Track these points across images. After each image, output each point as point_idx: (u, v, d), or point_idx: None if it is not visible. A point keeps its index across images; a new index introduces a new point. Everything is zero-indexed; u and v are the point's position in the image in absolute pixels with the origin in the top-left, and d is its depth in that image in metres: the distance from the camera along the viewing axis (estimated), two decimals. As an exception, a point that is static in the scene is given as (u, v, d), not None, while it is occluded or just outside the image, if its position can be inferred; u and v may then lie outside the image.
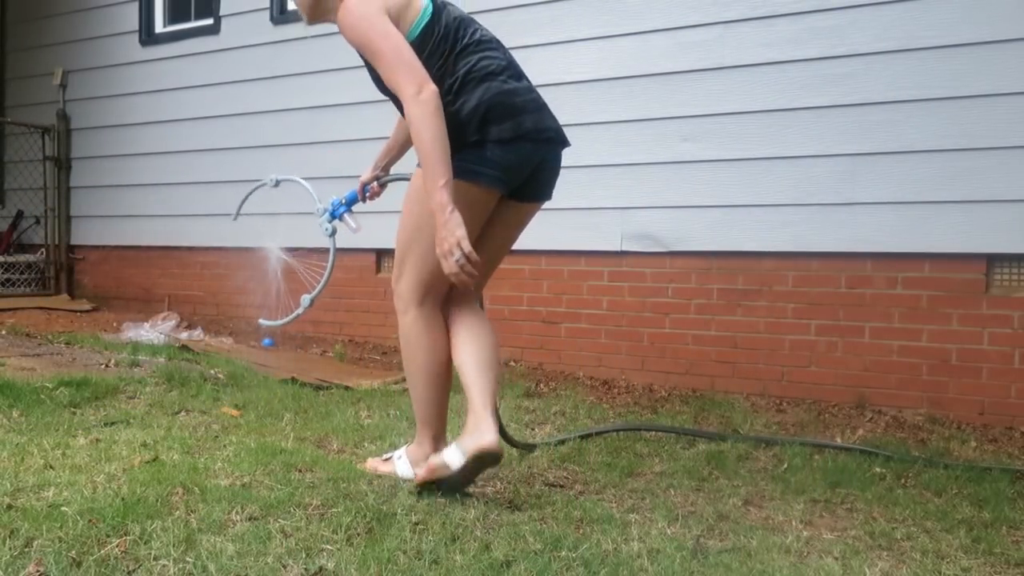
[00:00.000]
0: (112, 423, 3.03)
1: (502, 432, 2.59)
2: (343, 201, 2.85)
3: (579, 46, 4.57)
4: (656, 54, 4.38)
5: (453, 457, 2.28)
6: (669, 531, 2.20)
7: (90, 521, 1.97)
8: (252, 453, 2.65)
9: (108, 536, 1.91)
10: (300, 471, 2.49)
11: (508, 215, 2.48)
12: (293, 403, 3.49)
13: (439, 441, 2.51)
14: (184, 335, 5.21)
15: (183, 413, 3.27)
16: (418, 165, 2.34)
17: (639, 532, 2.16)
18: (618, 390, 4.24)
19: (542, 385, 4.30)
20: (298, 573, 1.81)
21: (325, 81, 5.52)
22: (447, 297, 2.48)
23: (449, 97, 2.28)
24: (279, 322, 3.07)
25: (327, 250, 3.02)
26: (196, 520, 2.04)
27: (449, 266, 2.18)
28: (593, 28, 4.56)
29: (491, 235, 2.47)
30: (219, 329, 5.61)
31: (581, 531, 2.15)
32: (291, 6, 5.76)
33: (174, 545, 1.88)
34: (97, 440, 2.74)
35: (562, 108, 4.60)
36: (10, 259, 6.73)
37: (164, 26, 6.47)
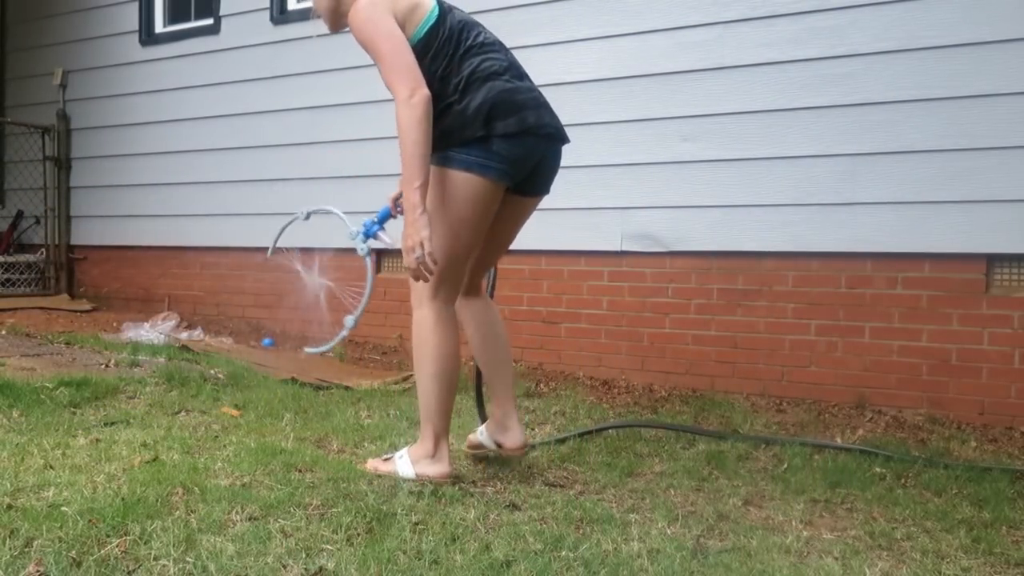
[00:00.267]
0: (112, 423, 3.03)
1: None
2: (375, 220, 2.90)
3: (579, 46, 4.57)
4: (656, 54, 4.38)
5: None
6: (669, 531, 2.20)
7: (90, 521, 1.97)
8: (252, 453, 2.65)
9: (108, 536, 1.91)
10: (300, 471, 2.49)
11: (510, 209, 2.58)
12: (293, 403, 3.49)
13: (442, 440, 2.51)
14: (184, 335, 5.21)
15: (183, 413, 3.27)
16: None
17: (639, 532, 2.16)
18: (618, 390, 4.24)
19: (542, 385, 4.30)
20: (298, 573, 1.81)
21: (325, 81, 5.53)
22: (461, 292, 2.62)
23: (455, 96, 2.38)
24: (324, 347, 3.05)
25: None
26: (196, 520, 2.04)
27: (410, 261, 2.33)
28: (593, 28, 4.56)
29: (493, 230, 2.56)
30: (219, 329, 5.61)
31: (581, 531, 2.15)
32: (291, 6, 5.77)
33: (174, 545, 1.88)
34: (97, 440, 2.74)
35: (562, 108, 4.60)
36: (10, 259, 6.73)
37: (164, 26, 6.47)
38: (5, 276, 6.65)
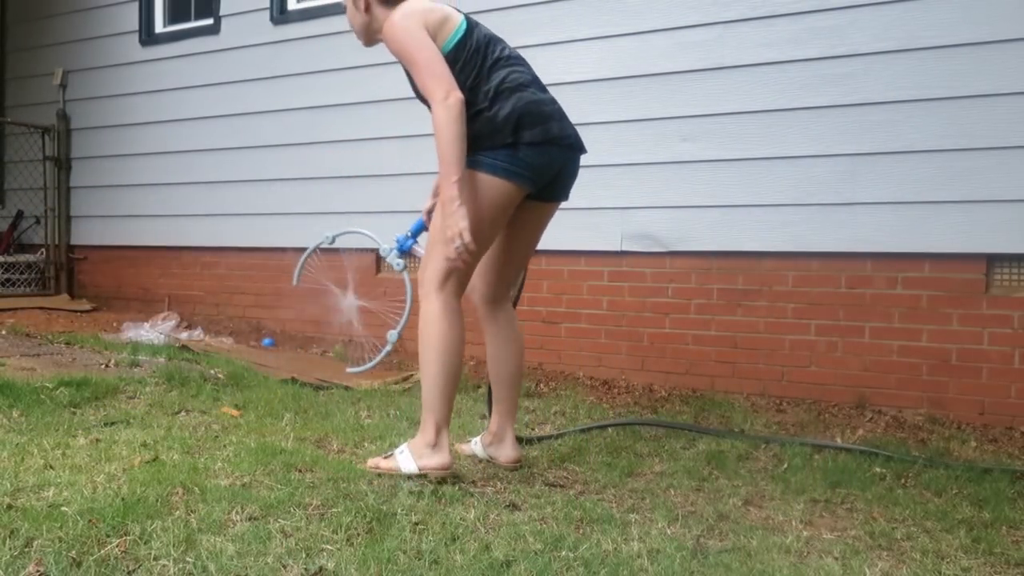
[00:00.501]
0: (112, 423, 3.03)
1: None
2: (408, 234, 3.00)
3: (579, 46, 4.57)
4: (656, 54, 4.38)
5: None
6: (669, 531, 2.20)
7: (90, 521, 1.97)
8: (252, 453, 2.65)
9: (108, 536, 1.91)
10: (300, 471, 2.49)
11: (532, 215, 2.74)
12: (293, 403, 3.49)
13: (443, 430, 2.54)
14: (184, 335, 5.21)
15: (183, 413, 3.27)
16: None
17: (639, 532, 2.16)
18: (618, 390, 4.24)
19: (542, 385, 4.30)
20: (298, 573, 1.81)
21: (325, 81, 5.53)
22: (488, 298, 2.79)
23: (485, 103, 2.54)
24: (367, 365, 3.11)
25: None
26: (196, 520, 2.04)
27: (450, 251, 2.46)
28: (593, 28, 4.56)
29: (518, 236, 2.76)
30: (219, 329, 5.61)
31: (581, 531, 2.16)
32: (291, 6, 5.77)
33: (174, 545, 1.88)
34: (97, 440, 2.74)
35: (563, 107, 4.62)
36: (10, 259, 6.73)
37: (164, 26, 6.47)
38: (5, 276, 6.65)
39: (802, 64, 4.02)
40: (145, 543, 1.89)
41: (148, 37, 6.46)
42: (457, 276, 2.59)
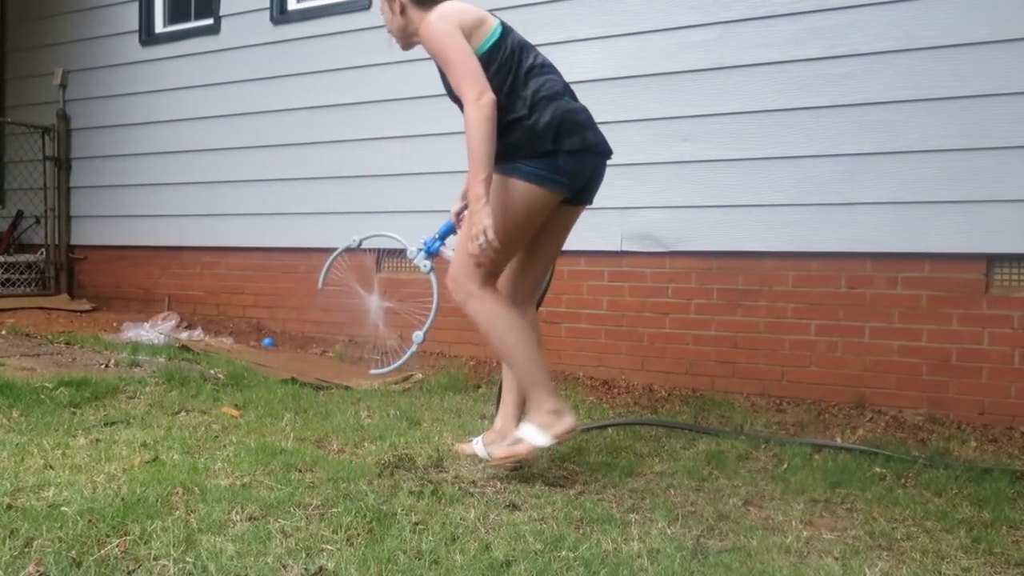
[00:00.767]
0: (112, 423, 3.03)
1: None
2: (436, 236, 3.01)
3: (579, 46, 4.57)
4: (656, 54, 4.38)
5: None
6: (669, 531, 2.20)
7: (90, 521, 1.97)
8: (252, 453, 2.65)
9: (108, 536, 1.91)
10: (300, 471, 2.49)
11: (562, 217, 2.79)
12: (293, 403, 3.49)
13: (554, 394, 2.63)
14: (184, 335, 5.21)
15: (183, 413, 3.27)
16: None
17: (639, 532, 2.16)
18: (618, 390, 4.24)
19: (542, 385, 4.30)
20: (298, 573, 1.81)
21: (325, 81, 5.53)
22: (513, 300, 2.78)
23: (524, 111, 2.60)
24: (392, 367, 3.09)
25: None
26: (196, 520, 2.04)
27: (474, 247, 2.51)
28: (593, 28, 4.56)
29: (545, 239, 2.80)
30: (219, 329, 5.61)
31: (581, 531, 2.15)
32: (291, 6, 5.76)
33: (174, 545, 1.88)
34: (97, 440, 2.74)
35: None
36: (10, 259, 6.73)
37: (164, 26, 6.47)
38: (5, 276, 6.65)
39: (802, 64, 4.02)
40: (145, 543, 1.89)
41: (148, 37, 6.46)
42: (493, 274, 2.68)
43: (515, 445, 2.61)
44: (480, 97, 2.51)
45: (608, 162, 3.32)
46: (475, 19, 2.64)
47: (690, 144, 4.28)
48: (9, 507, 2.07)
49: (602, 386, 4.34)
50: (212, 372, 3.96)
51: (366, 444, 2.93)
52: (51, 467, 2.42)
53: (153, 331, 5.24)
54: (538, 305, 2.95)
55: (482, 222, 2.49)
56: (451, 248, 2.96)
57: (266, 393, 3.62)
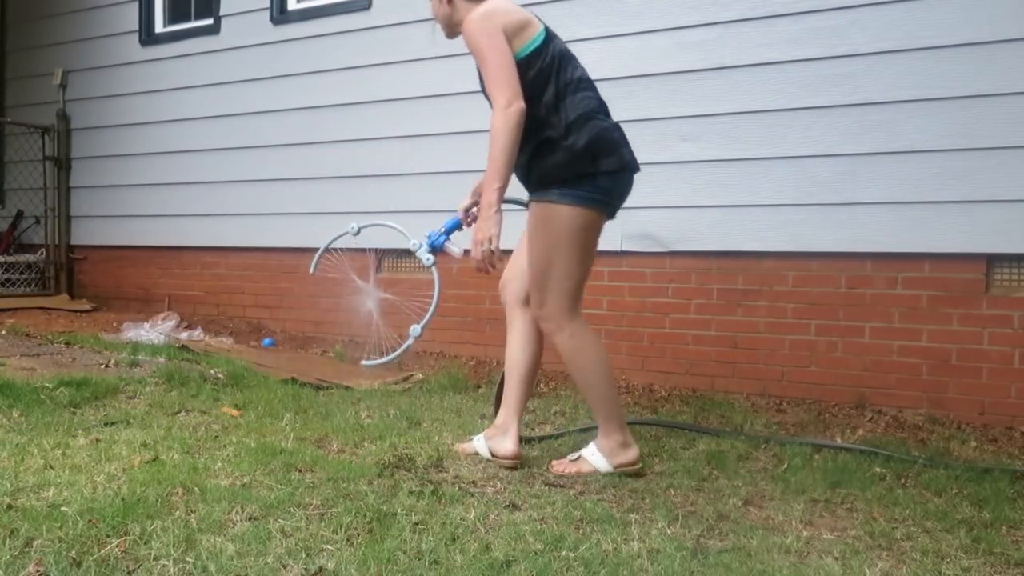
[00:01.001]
0: (112, 423, 3.03)
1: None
2: (442, 231, 2.99)
3: (579, 46, 4.52)
4: (656, 54, 4.38)
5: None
6: (669, 531, 2.20)
7: (90, 521, 1.97)
8: (252, 453, 2.65)
9: (108, 536, 1.91)
10: (300, 471, 2.49)
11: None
12: (293, 403, 3.49)
13: (625, 428, 2.78)
14: (184, 335, 5.21)
15: (183, 413, 3.27)
16: (530, 200, 2.72)
17: (639, 532, 2.16)
18: (618, 390, 4.23)
19: (542, 385, 4.30)
20: (298, 573, 1.81)
21: (325, 81, 5.53)
22: (523, 300, 2.84)
23: (562, 131, 2.61)
24: (386, 359, 3.04)
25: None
26: (196, 520, 2.04)
27: (477, 253, 2.57)
28: (593, 28, 4.56)
29: None
30: (219, 329, 5.61)
31: (581, 531, 2.16)
32: (291, 6, 5.77)
33: (174, 545, 1.88)
34: (97, 440, 2.74)
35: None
36: (10, 259, 6.73)
37: (164, 26, 6.47)
38: (5, 276, 6.65)
39: (802, 64, 4.02)
40: (145, 543, 1.89)
41: (148, 37, 6.46)
42: (579, 301, 2.76)
43: (578, 463, 2.74)
44: (510, 104, 2.51)
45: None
46: (520, 21, 2.63)
47: (690, 144, 4.28)
48: (9, 507, 2.07)
49: (602, 386, 4.33)
50: (212, 372, 3.96)
51: (366, 444, 2.93)
52: (51, 467, 2.42)
53: (153, 331, 5.24)
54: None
55: (489, 230, 2.53)
56: (456, 244, 2.97)
57: (266, 393, 3.62)
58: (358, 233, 3.22)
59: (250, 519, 2.08)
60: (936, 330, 3.77)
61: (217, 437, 2.90)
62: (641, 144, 4.44)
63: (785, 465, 2.92)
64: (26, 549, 1.84)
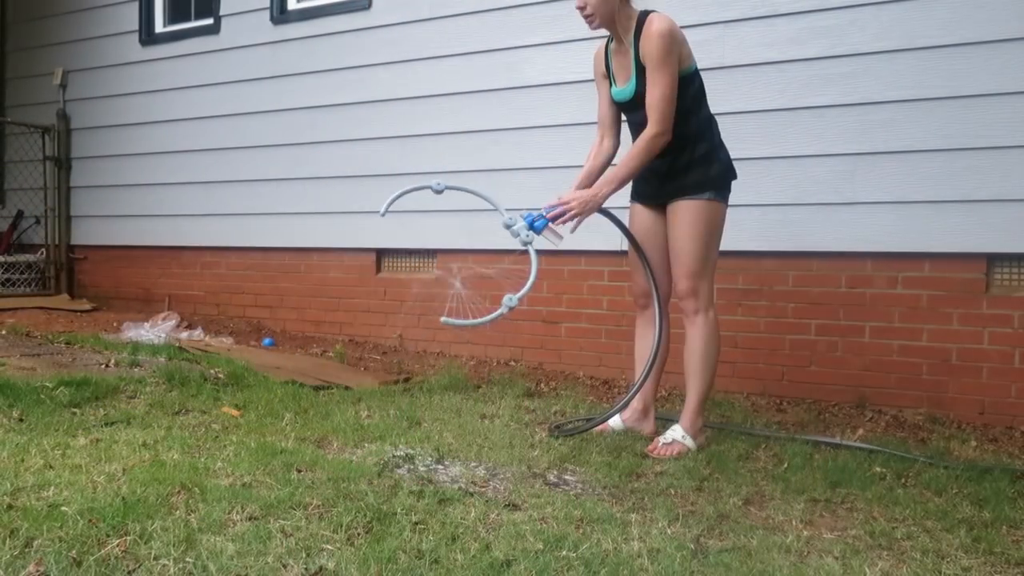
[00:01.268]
0: (112, 423, 3.03)
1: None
2: (543, 214, 3.04)
3: (579, 46, 4.56)
4: (656, 54, 4.37)
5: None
6: (669, 531, 2.20)
7: (90, 521, 1.97)
8: (252, 453, 2.65)
9: (108, 536, 1.91)
10: (300, 471, 2.49)
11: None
12: (293, 403, 3.49)
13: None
14: (184, 335, 5.21)
15: (183, 413, 3.27)
16: (684, 195, 3.07)
17: (639, 532, 2.16)
18: (618, 390, 4.23)
19: (542, 385, 4.30)
20: (298, 573, 1.81)
21: (325, 81, 5.53)
22: (647, 304, 3.26)
23: (716, 142, 3.11)
24: (470, 322, 2.91)
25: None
26: (196, 520, 2.04)
27: (564, 209, 2.97)
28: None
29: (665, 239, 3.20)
30: (219, 329, 5.61)
31: (581, 531, 2.15)
32: (291, 6, 5.76)
33: (174, 545, 1.88)
34: (97, 440, 2.74)
35: (563, 108, 4.64)
36: (10, 259, 6.73)
37: (164, 26, 6.47)
38: (5, 276, 6.65)
39: (802, 64, 4.02)
40: (145, 543, 1.89)
41: (148, 37, 6.46)
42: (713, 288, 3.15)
43: (672, 446, 3.03)
44: (663, 134, 2.92)
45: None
46: (685, 42, 2.99)
47: (690, 144, 4.27)
48: (9, 507, 2.07)
49: (602, 386, 4.34)
50: (212, 372, 3.96)
51: (366, 444, 2.93)
52: (51, 467, 2.42)
53: (153, 331, 5.24)
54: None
55: (583, 209, 2.94)
56: (559, 230, 3.07)
57: (266, 393, 3.62)
58: (441, 191, 3.17)
59: (250, 519, 2.08)
60: (936, 330, 3.77)
61: (217, 437, 2.90)
62: (641, 144, 4.48)
63: (785, 465, 2.92)
64: (26, 549, 1.84)
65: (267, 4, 5.77)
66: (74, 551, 1.82)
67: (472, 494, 2.40)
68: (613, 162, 3.29)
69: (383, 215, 3.07)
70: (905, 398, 3.82)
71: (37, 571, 1.73)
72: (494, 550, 1.97)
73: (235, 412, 3.30)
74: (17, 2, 7.38)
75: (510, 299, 2.82)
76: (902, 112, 3.81)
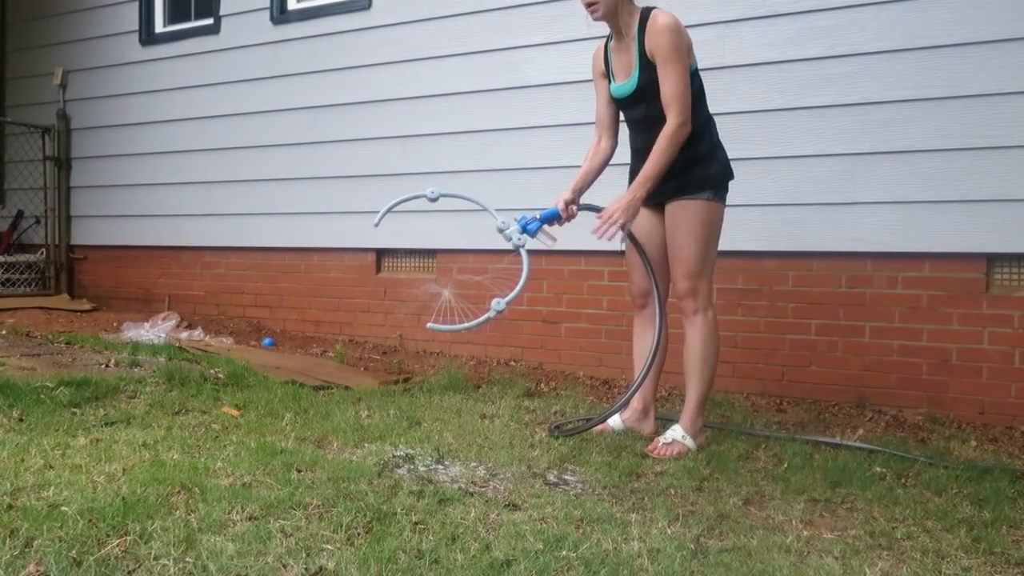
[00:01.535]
0: (112, 423, 3.03)
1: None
2: (536, 217, 3.09)
3: (579, 46, 4.56)
4: (656, 54, 4.37)
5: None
6: (669, 531, 2.20)
7: (90, 521, 1.97)
8: (252, 453, 2.65)
9: (108, 536, 1.91)
10: (300, 471, 2.49)
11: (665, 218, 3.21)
12: (293, 403, 3.49)
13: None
14: (184, 335, 5.21)
15: (183, 413, 3.27)
16: (683, 195, 3.06)
17: (640, 532, 2.16)
18: (618, 390, 4.23)
19: (542, 385, 4.30)
20: (298, 573, 1.81)
21: (325, 81, 5.53)
22: (646, 303, 3.27)
23: (715, 142, 3.12)
24: (456, 327, 2.92)
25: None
26: (196, 520, 2.04)
27: (606, 219, 2.94)
28: (592, 29, 4.53)
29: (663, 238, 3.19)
30: (219, 329, 5.61)
31: (581, 530, 2.15)
32: (291, 6, 5.76)
33: (174, 545, 1.88)
34: (97, 440, 2.74)
35: (563, 108, 4.64)
36: (10, 259, 6.73)
37: (164, 26, 6.47)
38: (5, 276, 6.65)
39: (802, 64, 4.02)
40: (145, 543, 1.89)
41: (148, 37, 6.46)
42: (712, 288, 3.17)
43: (672, 446, 3.03)
44: (686, 123, 2.93)
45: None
46: (690, 40, 3.01)
47: (690, 144, 4.27)
48: (9, 507, 2.07)
49: (602, 386, 4.34)
50: (212, 372, 3.96)
51: (366, 444, 2.93)
52: (51, 467, 2.42)
53: (153, 331, 5.24)
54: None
55: (627, 214, 2.93)
56: (552, 233, 3.09)
57: (266, 393, 3.62)
58: (436, 199, 3.16)
59: (250, 519, 2.08)
60: (936, 330, 3.77)
61: (217, 437, 2.90)
62: (641, 144, 4.48)
63: (785, 465, 2.92)
64: (26, 549, 1.83)
65: (267, 4, 5.77)
66: (74, 551, 1.82)
67: (472, 494, 2.40)
68: (612, 162, 3.30)
69: (377, 225, 3.09)
70: (905, 398, 3.82)
71: (37, 571, 1.73)
72: (494, 550, 1.97)
73: (235, 412, 3.30)
74: (17, 2, 7.38)
75: (498, 303, 2.82)
76: (902, 112, 3.81)
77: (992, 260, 3.71)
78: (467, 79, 4.96)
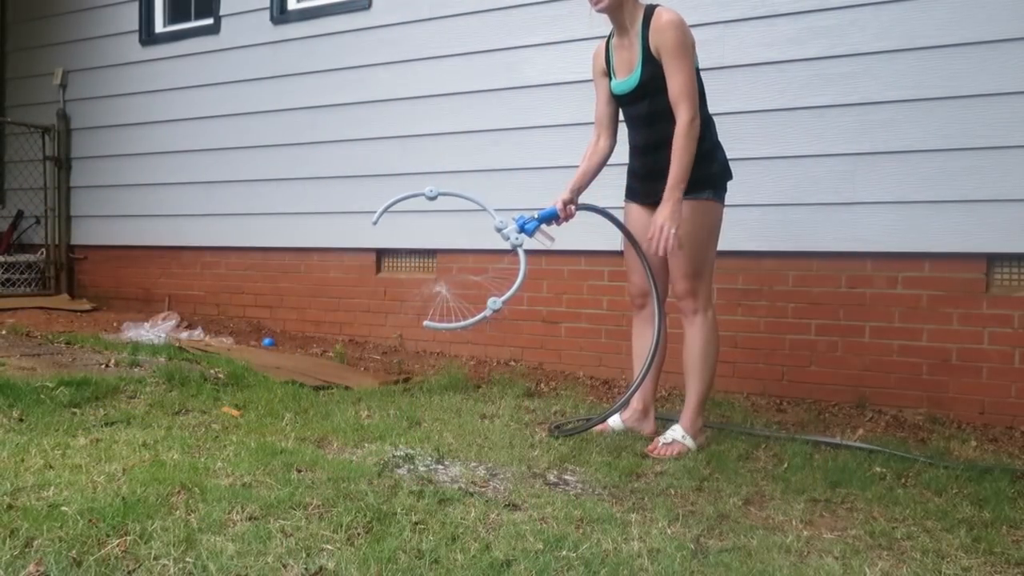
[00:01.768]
0: (112, 423, 3.03)
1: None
2: (534, 217, 3.09)
3: (579, 46, 4.56)
4: (656, 54, 4.37)
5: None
6: (669, 531, 2.20)
7: (90, 521, 1.97)
8: (252, 453, 2.65)
9: (108, 536, 1.91)
10: (300, 471, 2.49)
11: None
12: (293, 403, 3.49)
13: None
14: (184, 335, 5.21)
15: (183, 413, 3.27)
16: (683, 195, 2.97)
17: (639, 532, 2.16)
18: (618, 390, 4.23)
19: (542, 385, 4.30)
20: (298, 573, 1.81)
21: (325, 81, 5.53)
22: (644, 303, 3.28)
23: (715, 140, 3.11)
24: (453, 325, 2.89)
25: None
26: (196, 520, 2.04)
27: (657, 235, 2.85)
28: (593, 28, 4.54)
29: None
30: (219, 329, 5.61)
31: (581, 530, 2.15)
32: (291, 6, 5.76)
33: (174, 545, 1.88)
34: (97, 440, 2.74)
35: (563, 108, 4.64)
36: (10, 259, 6.73)
37: (164, 26, 6.47)
38: (5, 276, 6.65)
39: (802, 64, 4.02)
40: (145, 543, 1.89)
41: (148, 37, 6.46)
42: (711, 288, 3.17)
43: (672, 446, 3.03)
44: (697, 116, 2.92)
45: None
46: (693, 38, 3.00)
47: (690, 144, 4.27)
48: (9, 507, 2.07)
49: (602, 386, 4.34)
50: (212, 372, 3.96)
51: (366, 444, 2.93)
52: (51, 467, 2.42)
53: (153, 331, 5.24)
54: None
55: (676, 220, 2.86)
56: (550, 233, 3.08)
57: (266, 393, 3.62)
58: (434, 198, 3.14)
59: (250, 519, 2.08)
60: (936, 330, 3.77)
61: (217, 437, 2.90)
62: (641, 144, 4.47)
63: (785, 465, 2.92)
64: (26, 549, 1.84)
65: (267, 4, 5.77)
66: (74, 551, 1.82)
67: (472, 494, 2.40)
68: (611, 161, 3.30)
69: (375, 223, 3.09)
70: (905, 398, 3.82)
71: (37, 571, 1.73)
72: (494, 550, 1.97)
73: (235, 412, 3.30)
74: (17, 2, 7.38)
75: (494, 302, 2.79)
76: (902, 112, 3.81)
77: (992, 260, 3.71)
78: (467, 79, 4.96)
